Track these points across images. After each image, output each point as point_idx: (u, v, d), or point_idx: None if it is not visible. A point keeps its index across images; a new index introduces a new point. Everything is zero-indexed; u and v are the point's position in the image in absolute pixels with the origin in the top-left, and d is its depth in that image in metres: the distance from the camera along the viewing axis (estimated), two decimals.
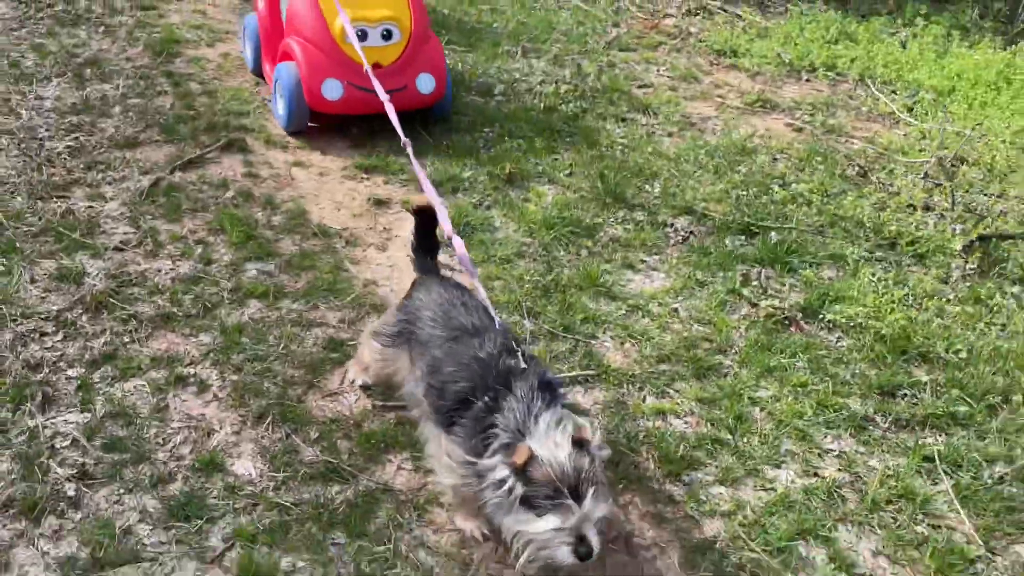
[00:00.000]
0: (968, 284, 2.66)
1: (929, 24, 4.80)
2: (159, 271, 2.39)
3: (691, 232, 2.79)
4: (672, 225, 2.83)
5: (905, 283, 2.63)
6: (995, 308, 2.56)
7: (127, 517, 1.67)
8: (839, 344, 2.36)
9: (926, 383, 2.23)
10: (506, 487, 1.49)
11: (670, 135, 3.52)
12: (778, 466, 1.96)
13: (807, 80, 4.30)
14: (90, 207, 2.65)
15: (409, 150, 2.27)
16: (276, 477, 1.79)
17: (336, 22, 3.06)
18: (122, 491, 1.74)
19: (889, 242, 2.86)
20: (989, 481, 1.95)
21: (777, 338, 2.34)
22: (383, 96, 2.53)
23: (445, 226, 1.95)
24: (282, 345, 2.16)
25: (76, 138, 3.02)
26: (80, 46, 3.76)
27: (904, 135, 3.72)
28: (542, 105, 3.61)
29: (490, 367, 1.65)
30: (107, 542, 1.61)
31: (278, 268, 2.46)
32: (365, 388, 2.11)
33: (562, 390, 1.70)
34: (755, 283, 2.55)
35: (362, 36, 3.08)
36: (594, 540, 1.47)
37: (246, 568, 1.58)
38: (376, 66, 3.01)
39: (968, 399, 2.17)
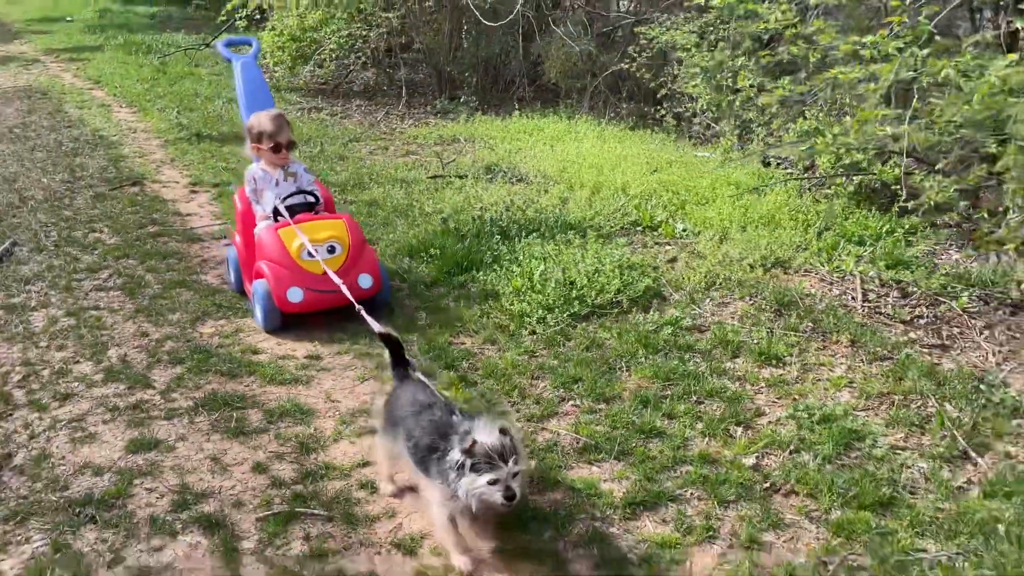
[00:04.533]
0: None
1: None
2: (96, 209, 6.60)
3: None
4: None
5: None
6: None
7: None
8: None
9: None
10: (459, 464, 2.61)
11: (376, 178, 7.74)
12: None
13: (451, 142, 8.63)
14: (72, 196, 6.88)
15: (360, 310, 3.73)
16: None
17: (293, 245, 4.40)
18: None
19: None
20: None
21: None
22: (337, 280, 4.12)
23: (375, 326, 3.36)
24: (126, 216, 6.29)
25: (71, 183, 7.35)
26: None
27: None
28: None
29: (441, 424, 2.79)
30: None
31: (140, 207, 6.62)
32: (398, 495, 3.13)
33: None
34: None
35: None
36: (516, 488, 2.61)
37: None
38: (326, 272, 4.35)
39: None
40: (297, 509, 3.05)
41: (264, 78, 5.33)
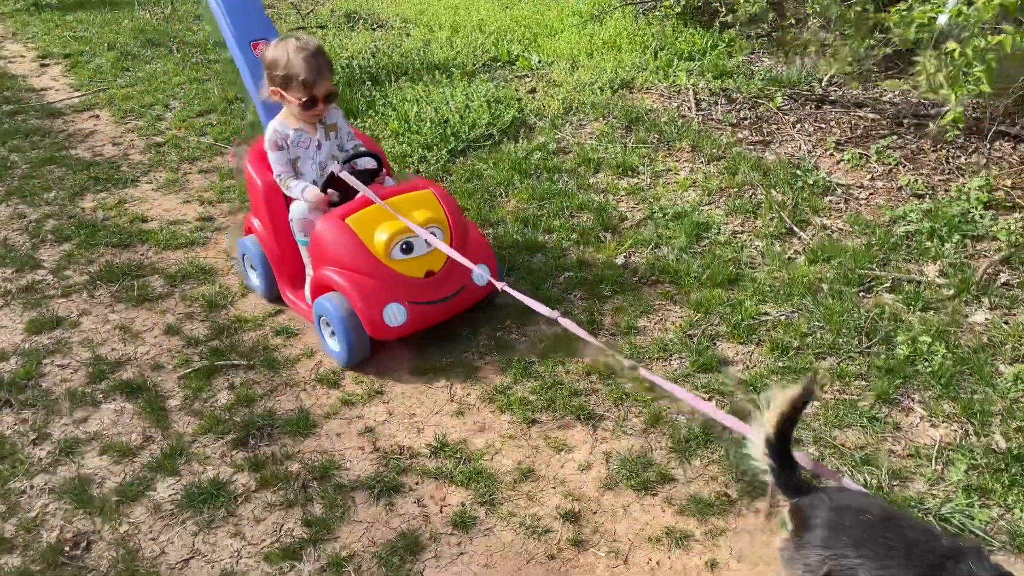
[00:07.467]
0: None
1: None
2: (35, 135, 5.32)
3: None
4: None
5: None
6: None
7: None
8: None
9: None
10: None
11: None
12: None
13: (374, 30, 7.50)
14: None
15: (562, 320, 2.10)
16: None
17: (376, 239, 2.57)
18: None
19: None
20: None
21: None
22: (499, 285, 2.39)
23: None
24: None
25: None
26: None
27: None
28: None
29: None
30: None
31: (67, 139, 5.40)
32: None
33: None
34: None
35: (407, 248, 2.61)
36: None
37: None
38: (429, 273, 2.64)
39: None
40: (217, 363, 2.71)
41: None
